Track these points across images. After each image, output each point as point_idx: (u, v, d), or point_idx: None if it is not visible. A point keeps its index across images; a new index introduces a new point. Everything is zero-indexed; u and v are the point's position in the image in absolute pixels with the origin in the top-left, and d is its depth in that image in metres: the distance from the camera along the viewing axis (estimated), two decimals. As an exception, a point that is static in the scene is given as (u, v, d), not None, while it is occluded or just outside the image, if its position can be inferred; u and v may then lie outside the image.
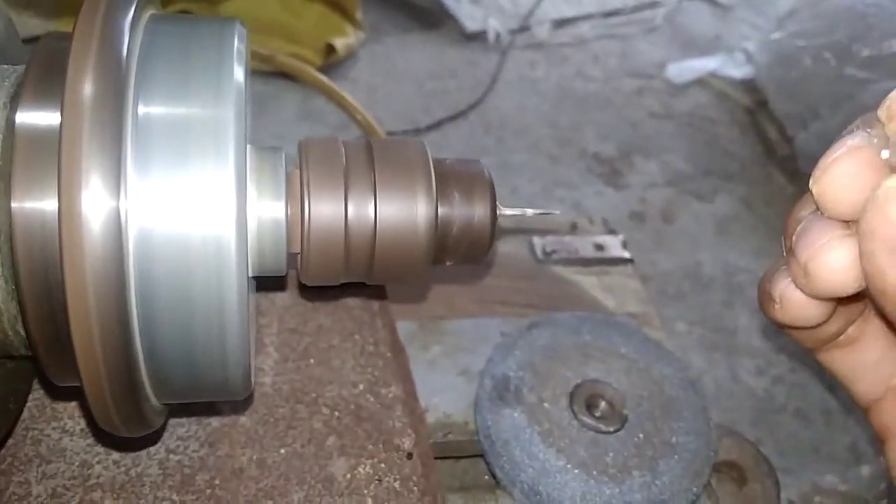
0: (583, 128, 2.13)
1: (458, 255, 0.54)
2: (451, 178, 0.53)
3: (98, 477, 0.59)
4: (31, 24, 1.74)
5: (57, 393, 0.62)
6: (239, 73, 0.44)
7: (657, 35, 2.54)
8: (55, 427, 0.62)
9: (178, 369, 0.44)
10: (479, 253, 0.55)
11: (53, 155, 0.38)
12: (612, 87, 2.29)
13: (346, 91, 1.95)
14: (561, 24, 2.50)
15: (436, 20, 2.39)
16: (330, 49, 2.06)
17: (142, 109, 0.41)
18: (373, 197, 0.50)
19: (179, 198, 0.40)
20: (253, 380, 0.50)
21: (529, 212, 0.56)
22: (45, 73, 0.42)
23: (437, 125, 2.04)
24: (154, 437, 0.61)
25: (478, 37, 2.36)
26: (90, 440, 0.61)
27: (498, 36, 2.38)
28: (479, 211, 0.53)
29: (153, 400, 0.46)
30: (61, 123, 0.37)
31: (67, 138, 0.37)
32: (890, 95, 0.34)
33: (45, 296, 0.40)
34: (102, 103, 0.38)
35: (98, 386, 0.40)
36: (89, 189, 0.37)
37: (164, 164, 0.40)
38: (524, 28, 2.44)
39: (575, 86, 2.28)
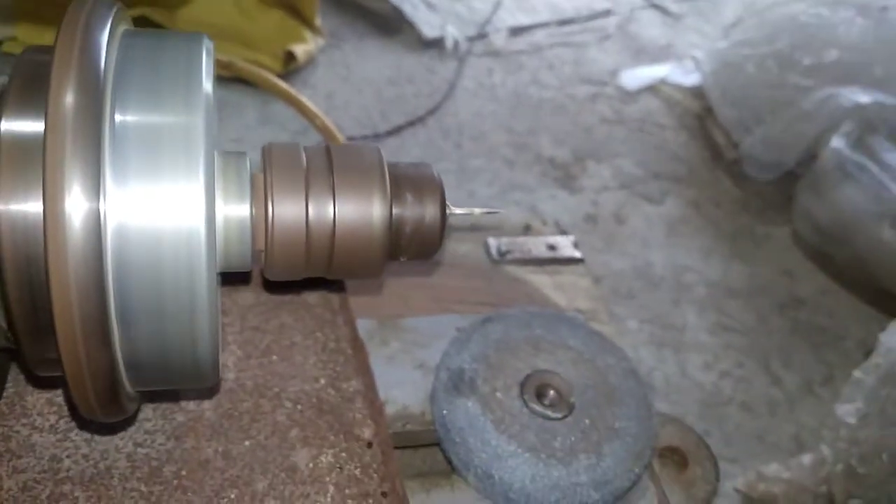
0: (538, 133, 2.18)
1: (410, 251, 0.59)
2: (403, 181, 0.57)
3: (68, 470, 0.61)
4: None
5: (38, 382, 0.65)
6: (207, 85, 0.47)
7: (610, 43, 2.61)
8: (24, 423, 0.63)
9: (153, 356, 0.47)
10: (430, 249, 0.59)
11: (36, 161, 0.41)
12: (566, 94, 2.35)
13: (305, 97, 1.97)
14: (517, 31, 2.56)
15: (394, 27, 2.43)
16: (290, 56, 2.08)
17: (118, 118, 0.44)
18: (332, 198, 0.54)
19: (154, 197, 0.44)
20: (221, 366, 0.53)
21: (477, 211, 0.61)
22: (27, 84, 0.45)
23: (395, 131, 2.07)
24: (128, 423, 0.63)
25: (436, 44, 2.40)
26: (59, 436, 0.63)
27: (456, 43, 2.42)
28: (430, 211, 0.57)
29: (128, 387, 0.49)
30: (45, 131, 0.41)
31: (51, 145, 0.40)
32: None
33: (28, 290, 0.43)
34: (83, 113, 0.41)
35: (79, 374, 0.43)
36: (71, 192, 0.41)
37: (140, 167, 0.43)
38: (481, 35, 2.49)
39: (530, 92, 2.33)
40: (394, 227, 0.56)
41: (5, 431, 0.63)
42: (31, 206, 0.43)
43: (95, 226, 0.41)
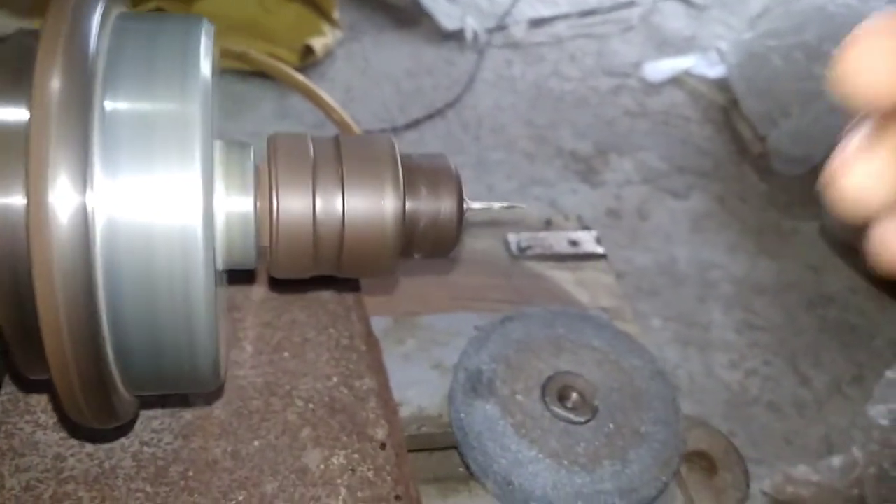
0: (559, 126, 2.14)
1: (425, 248, 0.55)
2: (418, 173, 0.54)
3: (72, 469, 0.59)
4: (3, 23, 1.73)
5: (29, 386, 0.62)
6: (205, 69, 0.44)
7: (633, 34, 2.56)
8: (28, 421, 0.61)
9: (146, 360, 0.44)
10: (446, 246, 0.55)
11: (21, 151, 0.39)
12: (588, 86, 2.31)
13: (323, 90, 1.95)
14: (537, 23, 2.52)
15: (413, 19, 2.40)
16: (308, 50, 2.06)
17: (109, 105, 0.41)
18: (340, 191, 0.51)
19: (146, 191, 0.41)
20: (223, 371, 0.50)
21: (496, 205, 0.57)
22: (13, 70, 0.42)
23: (414, 124, 2.04)
24: (126, 429, 0.61)
25: (455, 36, 2.37)
26: (63, 434, 0.61)
27: (475, 35, 2.39)
28: (446, 205, 0.54)
29: (123, 391, 0.47)
30: (29, 119, 0.38)
31: (35, 134, 0.38)
32: None
33: (14, 288, 0.40)
34: (70, 100, 0.39)
35: (67, 377, 0.40)
36: (57, 184, 0.38)
37: (131, 158, 0.41)
38: (501, 27, 2.45)
39: (551, 85, 2.29)
40: (407, 222, 0.53)
41: (8, 429, 0.61)
42: (15, 200, 0.40)
43: (83, 220, 0.38)
